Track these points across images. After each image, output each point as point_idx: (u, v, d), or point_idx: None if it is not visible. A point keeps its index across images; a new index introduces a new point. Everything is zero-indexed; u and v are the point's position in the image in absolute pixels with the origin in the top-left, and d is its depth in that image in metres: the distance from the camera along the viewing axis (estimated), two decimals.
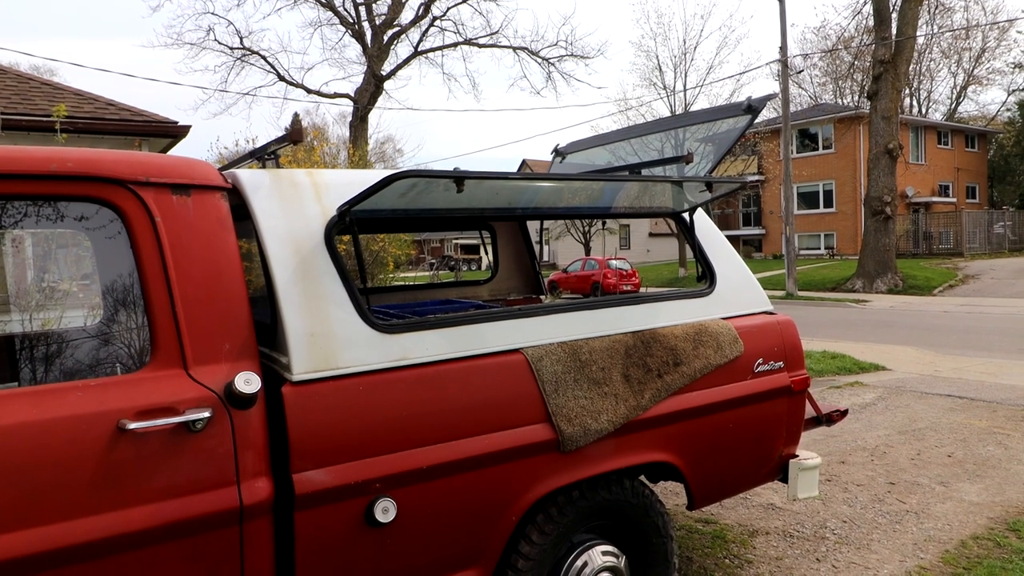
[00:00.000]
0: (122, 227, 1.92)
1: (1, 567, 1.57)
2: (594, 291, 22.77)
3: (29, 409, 1.67)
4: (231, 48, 24.32)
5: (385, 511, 2.04)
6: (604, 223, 33.98)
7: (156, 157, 2.02)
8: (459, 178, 2.05)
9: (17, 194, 1.80)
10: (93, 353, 2.04)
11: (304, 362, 2.04)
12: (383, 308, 3.12)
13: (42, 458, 1.65)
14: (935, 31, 39.69)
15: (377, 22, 24.42)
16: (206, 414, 1.83)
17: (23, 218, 1.91)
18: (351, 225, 2.23)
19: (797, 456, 3.14)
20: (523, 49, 25.86)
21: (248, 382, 1.85)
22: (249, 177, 2.23)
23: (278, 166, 2.44)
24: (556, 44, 32.47)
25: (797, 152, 34.74)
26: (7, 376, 2.21)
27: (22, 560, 1.60)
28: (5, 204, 1.85)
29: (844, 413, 3.58)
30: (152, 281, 1.90)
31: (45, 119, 7.03)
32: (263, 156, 2.52)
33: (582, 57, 27.00)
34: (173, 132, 9.12)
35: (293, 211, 2.21)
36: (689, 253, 28.83)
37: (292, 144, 2.32)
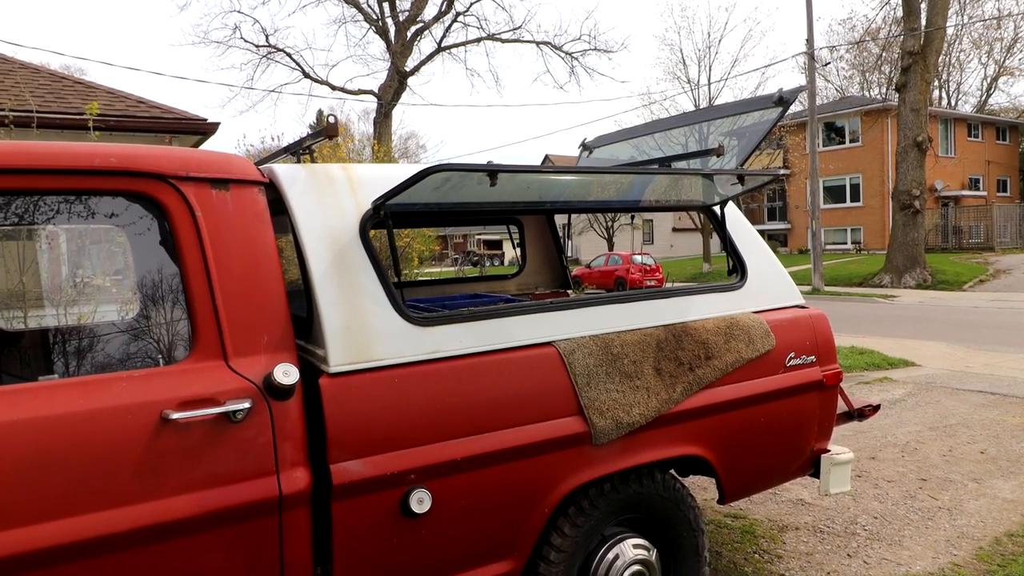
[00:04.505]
0: (163, 221, 1.95)
1: (51, 553, 1.62)
2: (618, 287, 22.68)
3: (78, 399, 1.72)
4: (257, 46, 24.57)
5: (420, 502, 2.07)
6: (632, 218, 33.78)
7: (195, 152, 2.05)
8: (493, 172, 2.06)
9: (61, 189, 1.85)
10: (136, 345, 2.09)
11: (340, 354, 2.07)
12: (413, 302, 3.14)
13: (90, 447, 1.69)
14: (965, 21, 38.90)
15: (401, 18, 24.49)
16: (246, 405, 1.86)
17: (64, 212, 1.95)
18: (385, 219, 2.26)
19: (829, 451, 3.12)
20: (546, 44, 25.80)
21: (287, 373, 1.88)
22: (285, 172, 2.26)
23: (313, 161, 2.47)
24: (579, 38, 32.43)
25: (823, 145, 34.28)
26: (60, 367, 2.27)
27: (71, 546, 1.64)
28: (47, 199, 1.90)
29: (876, 408, 3.54)
30: (192, 274, 1.94)
31: (78, 117, 7.14)
32: (298, 151, 2.55)
33: (605, 51, 27.03)
34: (202, 129, 9.23)
35: (328, 205, 2.23)
36: (714, 248, 28.61)
37: (328, 139, 2.35)
